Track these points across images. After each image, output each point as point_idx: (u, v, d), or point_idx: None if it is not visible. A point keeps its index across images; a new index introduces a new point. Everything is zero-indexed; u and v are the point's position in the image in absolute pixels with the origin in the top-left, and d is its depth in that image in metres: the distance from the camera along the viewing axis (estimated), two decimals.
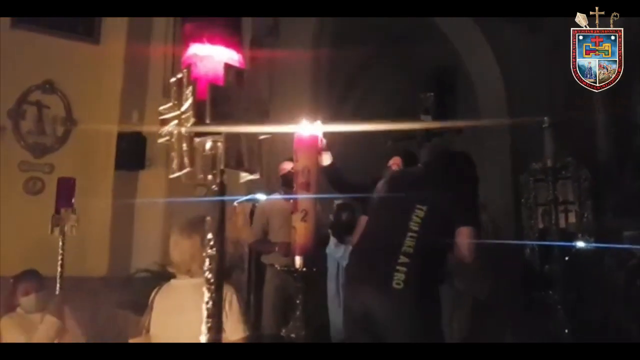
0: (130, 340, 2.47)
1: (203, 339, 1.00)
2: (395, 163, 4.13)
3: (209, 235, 1.00)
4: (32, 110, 5.42)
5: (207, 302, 0.98)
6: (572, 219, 5.38)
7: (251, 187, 4.51)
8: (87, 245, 5.06)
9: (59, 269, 2.91)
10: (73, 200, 2.96)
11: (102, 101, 5.59)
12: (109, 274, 5.28)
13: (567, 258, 5.04)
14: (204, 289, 0.99)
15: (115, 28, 5.68)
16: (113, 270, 5.32)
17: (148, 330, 2.45)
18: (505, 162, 5.87)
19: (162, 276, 4.74)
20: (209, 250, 0.99)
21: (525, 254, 5.64)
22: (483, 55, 5.91)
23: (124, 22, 5.65)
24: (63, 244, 2.92)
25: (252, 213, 4.81)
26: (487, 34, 5.82)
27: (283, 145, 2.51)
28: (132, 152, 5.52)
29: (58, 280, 2.92)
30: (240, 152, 0.96)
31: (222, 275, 1.00)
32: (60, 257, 2.93)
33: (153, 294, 2.55)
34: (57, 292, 2.94)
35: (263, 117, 1.01)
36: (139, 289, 4.75)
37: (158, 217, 5.42)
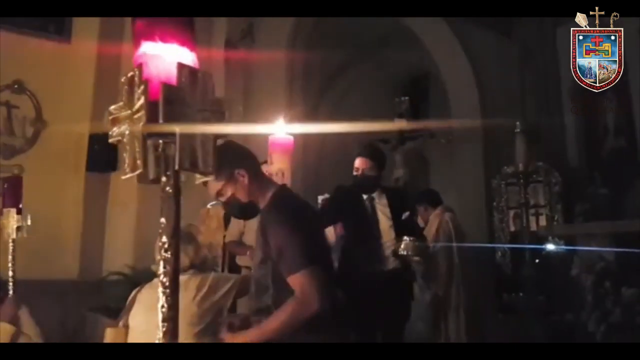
0: (107, 329, 2.51)
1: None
2: (360, 166, 3.99)
3: (164, 239, 0.94)
4: (0, 111, 5.31)
5: (162, 306, 0.95)
6: (543, 222, 5.45)
7: None
8: (57, 248, 4.97)
9: (10, 272, 2.80)
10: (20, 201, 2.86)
11: (73, 101, 5.47)
12: (80, 276, 5.19)
13: (537, 261, 5.12)
14: (159, 292, 0.95)
15: (86, 27, 5.57)
16: (84, 273, 5.23)
17: (125, 323, 2.50)
18: (478, 166, 5.92)
19: (134, 279, 4.70)
20: (164, 254, 0.94)
21: (496, 257, 5.70)
22: (457, 61, 5.97)
23: (96, 21, 5.55)
24: (13, 246, 2.81)
25: (225, 215, 4.77)
26: (461, 39, 5.88)
27: (257, 148, 2.50)
28: (104, 154, 5.42)
29: (10, 283, 2.80)
30: (195, 154, 0.93)
31: (177, 278, 0.96)
32: (10, 259, 2.82)
33: (135, 291, 2.60)
34: (9, 296, 2.85)
35: (219, 118, 0.97)
36: (111, 292, 4.69)
37: (130, 220, 5.35)
